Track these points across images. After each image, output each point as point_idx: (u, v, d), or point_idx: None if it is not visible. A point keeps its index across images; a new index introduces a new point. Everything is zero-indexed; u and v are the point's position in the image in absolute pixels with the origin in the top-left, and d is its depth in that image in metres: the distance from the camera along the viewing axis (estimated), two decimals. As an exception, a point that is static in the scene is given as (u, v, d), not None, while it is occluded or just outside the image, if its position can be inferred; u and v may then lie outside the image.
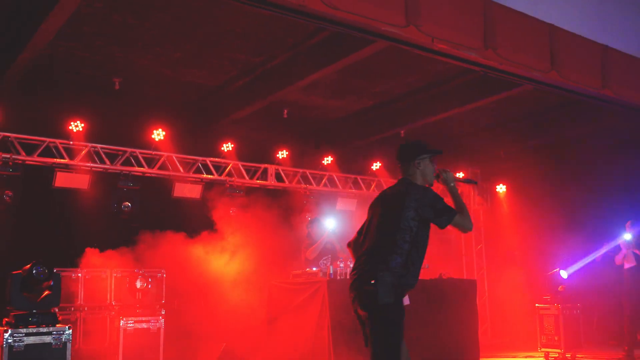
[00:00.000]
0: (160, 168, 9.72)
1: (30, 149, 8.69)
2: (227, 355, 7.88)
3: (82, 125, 8.97)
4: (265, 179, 10.75)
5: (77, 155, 8.99)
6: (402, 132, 11.23)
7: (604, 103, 8.17)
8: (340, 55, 7.77)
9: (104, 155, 9.24)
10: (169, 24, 7.38)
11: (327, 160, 11.36)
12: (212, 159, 10.22)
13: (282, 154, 10.84)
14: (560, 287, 9.31)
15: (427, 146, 4.10)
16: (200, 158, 10.09)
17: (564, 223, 11.09)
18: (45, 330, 6.03)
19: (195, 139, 10.20)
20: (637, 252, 9.14)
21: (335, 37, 7.45)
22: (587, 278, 9.90)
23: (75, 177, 8.96)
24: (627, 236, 9.15)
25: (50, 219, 9.14)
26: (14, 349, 5.81)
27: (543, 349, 9.20)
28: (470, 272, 12.80)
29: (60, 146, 8.90)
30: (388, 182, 12.08)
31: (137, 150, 9.51)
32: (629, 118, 9.36)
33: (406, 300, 7.07)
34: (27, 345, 5.89)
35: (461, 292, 7.78)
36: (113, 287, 8.66)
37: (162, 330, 7.86)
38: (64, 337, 6.08)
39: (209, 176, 10.16)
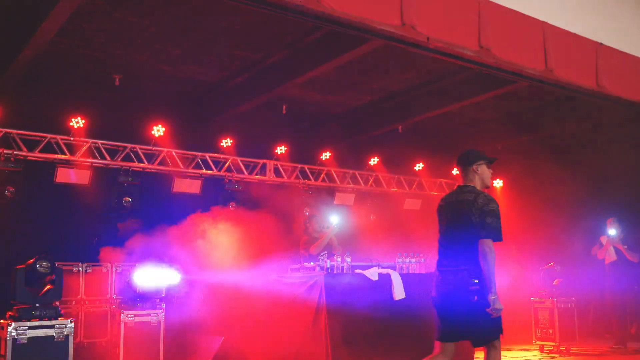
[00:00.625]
0: (160, 163, 9.82)
1: (31, 144, 8.79)
2: (226, 348, 7.99)
3: (83, 121, 9.05)
4: (264, 174, 10.85)
5: (78, 151, 9.09)
6: (399, 127, 11.32)
7: (598, 100, 8.26)
8: (338, 52, 7.86)
9: (104, 151, 9.34)
10: (169, 21, 7.46)
11: (325, 155, 11.45)
12: (211, 154, 10.32)
13: (281, 149, 10.94)
14: (555, 280, 9.44)
15: (484, 154, 4.61)
16: (200, 153, 10.19)
17: (560, 218, 11.20)
18: (48, 323, 6.16)
19: (195, 134, 10.29)
20: (618, 247, 9.32)
21: (333, 34, 7.52)
22: (578, 273, 10.05)
23: (76, 172, 9.06)
24: (612, 232, 9.35)
25: (51, 214, 9.22)
26: (18, 342, 5.94)
27: (538, 342, 9.35)
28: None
29: (61, 142, 8.99)
30: (385, 177, 12.20)
31: (137, 146, 9.60)
32: (624, 114, 9.47)
33: (401, 294, 7.21)
34: (30, 338, 6.03)
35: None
36: (114, 281, 8.78)
37: (162, 324, 7.95)
38: (66, 331, 6.22)
39: (208, 171, 10.27)
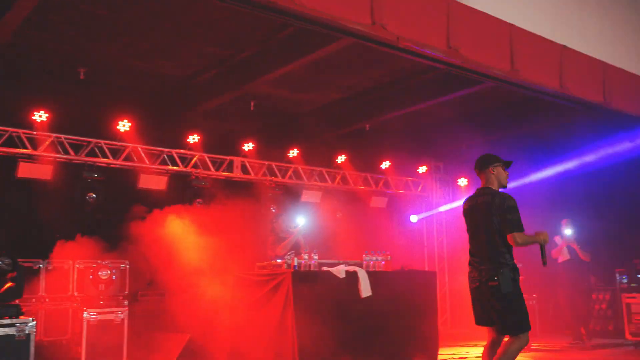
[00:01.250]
0: (125, 159, 9.69)
1: (-8, 138, 8.59)
2: (192, 346, 7.93)
3: (47, 115, 8.89)
4: (231, 171, 10.80)
5: (41, 146, 8.91)
6: (367, 125, 11.38)
7: (562, 101, 8.44)
8: (308, 50, 7.86)
9: (68, 146, 9.17)
10: (138, 14, 7.34)
11: (293, 153, 11.46)
12: (177, 150, 10.23)
13: (248, 146, 10.90)
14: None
15: (499, 157, 5.05)
16: (166, 149, 10.09)
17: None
18: (8, 322, 6.03)
19: (161, 130, 10.16)
20: (573, 246, 9.56)
21: (303, 32, 7.51)
22: (537, 270, 10.26)
23: (39, 167, 8.88)
24: (567, 232, 9.58)
25: (13, 210, 9.03)
26: (-23, 341, 5.80)
27: (500, 338, 9.49)
28: (432, 262, 13.08)
29: (23, 136, 8.81)
30: (352, 174, 12.26)
31: (102, 141, 9.46)
32: (588, 115, 9.68)
33: (368, 292, 7.26)
34: (-10, 337, 5.89)
35: (422, 283, 7.95)
36: (76, 278, 8.63)
37: (125, 322, 7.87)
38: (27, 329, 6.09)
39: (175, 168, 10.17)
